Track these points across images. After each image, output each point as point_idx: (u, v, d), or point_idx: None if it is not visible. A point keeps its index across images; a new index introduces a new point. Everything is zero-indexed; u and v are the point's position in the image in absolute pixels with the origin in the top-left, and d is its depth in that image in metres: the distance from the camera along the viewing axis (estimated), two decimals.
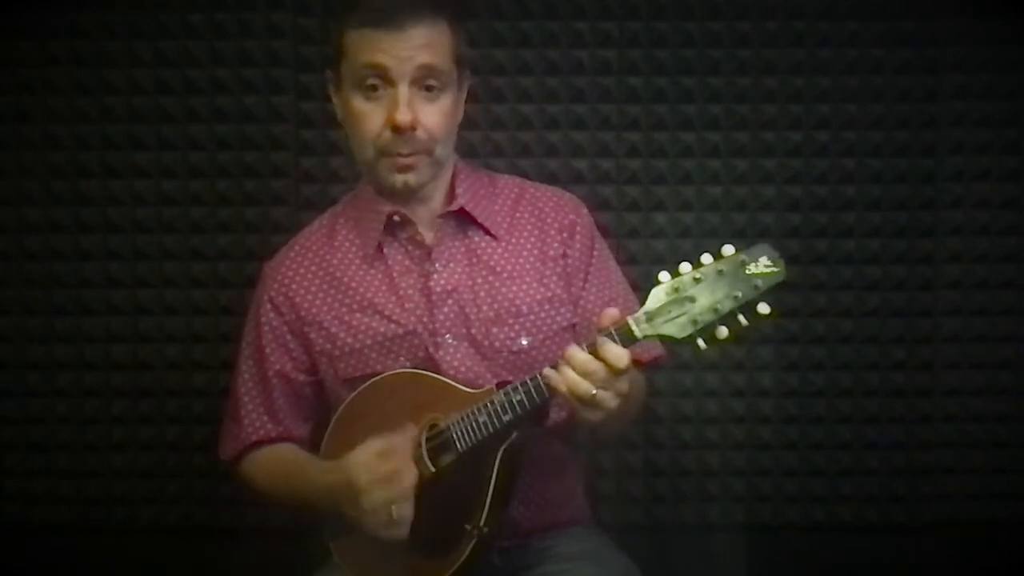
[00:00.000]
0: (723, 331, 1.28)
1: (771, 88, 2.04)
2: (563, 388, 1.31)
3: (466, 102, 1.56)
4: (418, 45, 1.44)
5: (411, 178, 1.50)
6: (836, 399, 2.08)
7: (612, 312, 1.33)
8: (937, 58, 2.03)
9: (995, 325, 2.07)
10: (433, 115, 1.47)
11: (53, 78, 2.01)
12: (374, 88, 1.46)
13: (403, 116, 1.44)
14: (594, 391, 1.30)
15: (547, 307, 1.56)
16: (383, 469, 1.37)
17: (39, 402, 2.04)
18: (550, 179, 1.96)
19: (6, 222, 2.03)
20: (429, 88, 1.47)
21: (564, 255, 1.58)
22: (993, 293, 2.06)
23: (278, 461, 1.60)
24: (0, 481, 2.05)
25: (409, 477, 1.38)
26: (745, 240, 2.00)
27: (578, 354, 1.31)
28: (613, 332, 1.31)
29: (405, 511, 1.37)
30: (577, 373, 1.31)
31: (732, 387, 2.07)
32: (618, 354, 1.30)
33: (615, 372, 1.30)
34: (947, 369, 2.08)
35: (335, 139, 2.03)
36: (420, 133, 1.46)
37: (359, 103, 1.48)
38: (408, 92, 1.45)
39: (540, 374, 1.35)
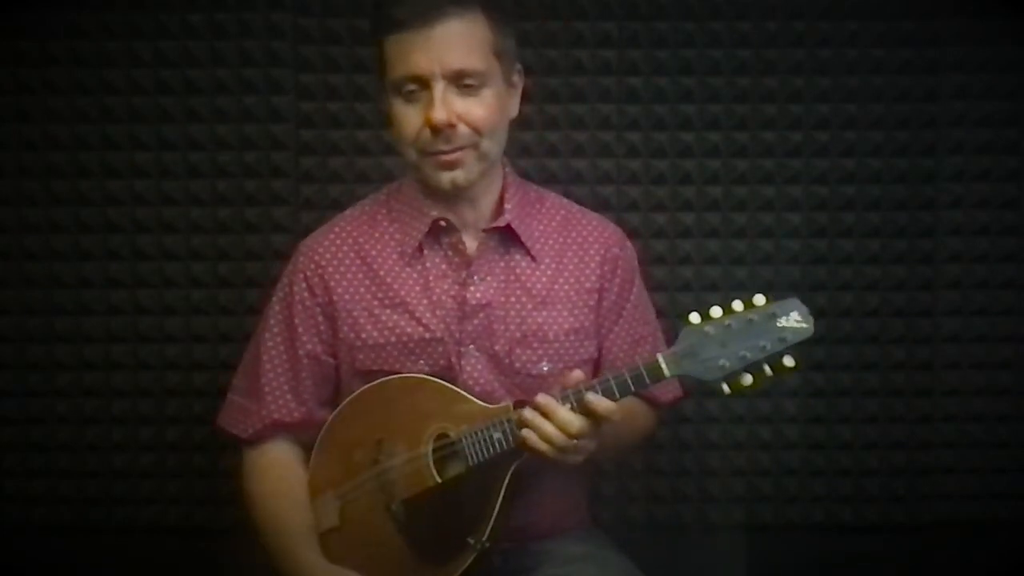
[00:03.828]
0: (747, 378, 1.33)
1: (771, 88, 2.04)
2: (537, 444, 1.34)
3: None
4: (449, 45, 1.41)
5: (459, 175, 1.47)
6: (836, 399, 2.08)
7: (646, 355, 1.39)
8: (937, 58, 2.03)
9: (995, 325, 2.06)
10: (474, 108, 1.44)
11: (53, 78, 2.00)
12: (412, 92, 1.44)
13: (439, 115, 1.41)
14: (574, 441, 1.34)
15: (572, 338, 1.56)
16: None
17: (39, 402, 2.04)
18: (550, 179, 1.96)
19: (6, 222, 2.03)
20: (467, 86, 1.43)
21: (602, 288, 1.58)
22: (993, 293, 2.06)
23: (286, 499, 1.55)
24: (0, 481, 2.05)
25: None
26: (745, 240, 2.04)
27: (559, 409, 1.34)
28: (642, 368, 1.34)
29: None
30: (555, 426, 1.34)
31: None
32: (609, 408, 1.34)
33: (598, 424, 1.35)
34: (947, 369, 2.07)
35: (335, 139, 2.03)
36: (461, 128, 1.43)
37: (399, 106, 1.46)
38: (443, 90, 1.42)
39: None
